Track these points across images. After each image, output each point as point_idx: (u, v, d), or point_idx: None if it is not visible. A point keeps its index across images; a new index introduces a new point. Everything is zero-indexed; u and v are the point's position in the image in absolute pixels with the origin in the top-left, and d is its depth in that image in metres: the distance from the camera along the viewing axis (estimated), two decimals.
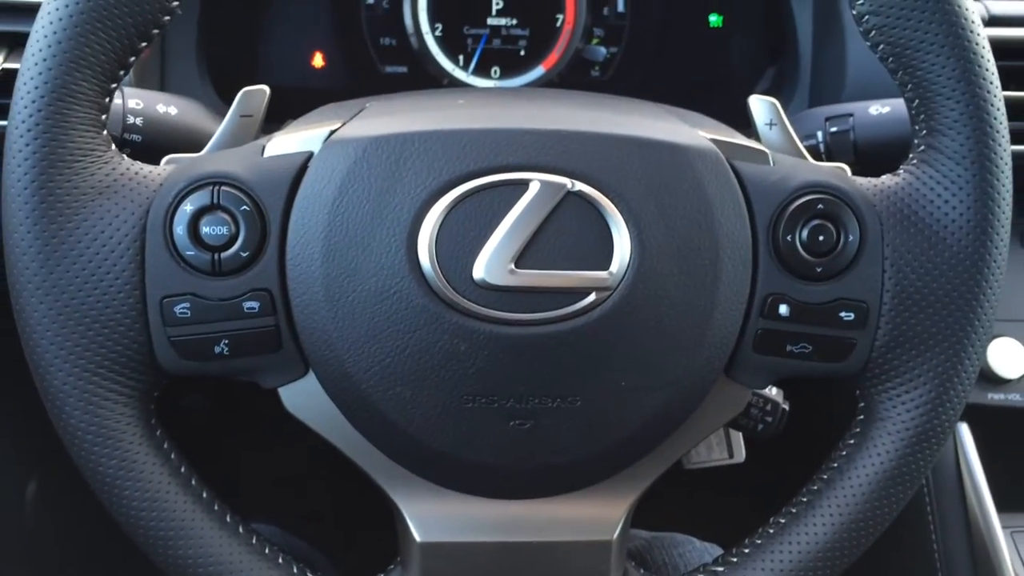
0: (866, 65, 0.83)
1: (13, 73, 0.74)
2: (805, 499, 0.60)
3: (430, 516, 0.58)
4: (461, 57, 0.97)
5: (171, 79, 0.89)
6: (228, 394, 1.16)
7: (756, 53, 0.98)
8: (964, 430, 0.85)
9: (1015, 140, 0.78)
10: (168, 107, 0.69)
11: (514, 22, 0.97)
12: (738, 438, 0.83)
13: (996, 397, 0.83)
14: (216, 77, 0.91)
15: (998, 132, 0.56)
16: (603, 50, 0.98)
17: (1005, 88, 0.77)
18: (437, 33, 0.96)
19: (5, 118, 0.73)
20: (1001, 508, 0.84)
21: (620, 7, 0.98)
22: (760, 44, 0.98)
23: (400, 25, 0.96)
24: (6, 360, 1.04)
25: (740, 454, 0.82)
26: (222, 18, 0.93)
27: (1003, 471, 0.85)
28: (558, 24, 0.97)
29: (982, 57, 0.56)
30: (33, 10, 0.74)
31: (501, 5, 0.96)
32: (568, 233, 0.53)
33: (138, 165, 0.55)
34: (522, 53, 0.97)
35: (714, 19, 0.98)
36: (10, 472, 1.07)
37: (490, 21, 0.97)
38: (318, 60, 0.97)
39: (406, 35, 0.96)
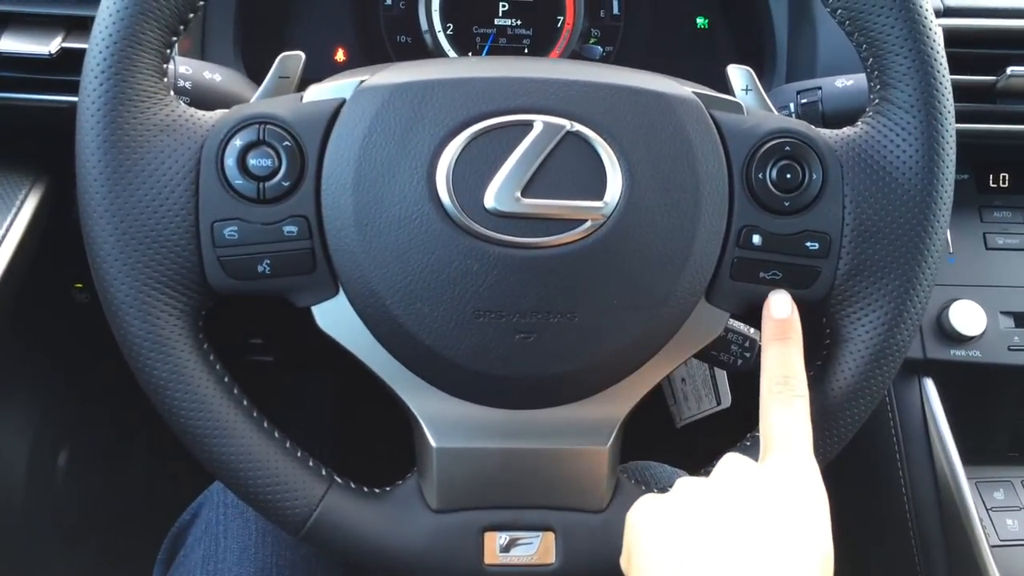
0: (833, 54, 0.90)
1: (72, 52, 0.83)
2: None
3: (444, 424, 0.63)
4: (470, 54, 1.03)
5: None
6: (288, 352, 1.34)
7: (739, 50, 1.04)
8: (930, 385, 0.89)
9: (969, 120, 0.86)
10: (213, 74, 0.75)
11: (518, 23, 1.03)
12: (724, 384, 0.88)
13: (958, 353, 0.87)
14: (249, 67, 0.97)
15: (942, 83, 0.62)
16: (599, 49, 1.05)
17: (959, 73, 0.85)
18: (449, 32, 1.03)
19: (66, 92, 0.82)
20: (966, 461, 0.88)
21: (615, 10, 1.04)
22: (742, 42, 1.05)
23: (415, 24, 1.03)
24: (44, 341, 1.11)
25: (727, 399, 0.87)
26: (255, 19, 1.00)
27: (968, 425, 0.90)
28: (558, 25, 1.04)
29: (926, 17, 0.61)
30: None
31: (507, 7, 1.03)
32: (567, 168, 0.59)
33: (193, 109, 0.61)
34: (526, 51, 1.04)
35: (700, 21, 1.05)
36: (43, 442, 1.11)
37: (497, 22, 1.04)
38: (340, 55, 1.04)
39: (420, 33, 1.03)
